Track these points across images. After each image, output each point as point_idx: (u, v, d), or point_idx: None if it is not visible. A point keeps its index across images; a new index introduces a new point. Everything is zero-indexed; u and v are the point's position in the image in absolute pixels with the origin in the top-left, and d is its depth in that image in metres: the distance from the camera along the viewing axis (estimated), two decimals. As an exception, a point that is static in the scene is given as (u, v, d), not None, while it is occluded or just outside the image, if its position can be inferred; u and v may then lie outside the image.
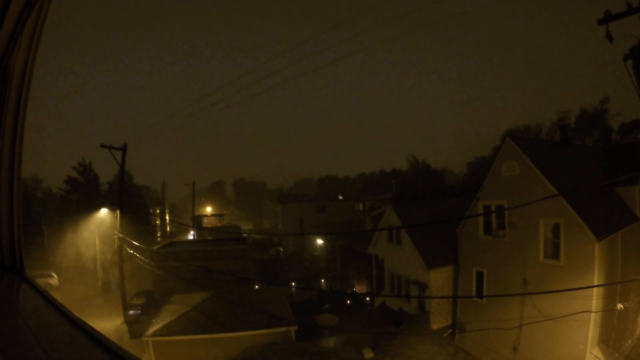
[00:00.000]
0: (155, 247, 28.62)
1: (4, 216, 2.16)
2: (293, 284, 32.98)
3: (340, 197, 60.71)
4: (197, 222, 47.06)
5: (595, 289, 13.23)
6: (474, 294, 18.70)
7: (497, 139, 49.09)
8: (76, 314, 1.68)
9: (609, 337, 14.36)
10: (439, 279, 20.13)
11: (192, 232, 47.03)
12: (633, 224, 16.26)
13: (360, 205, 53.84)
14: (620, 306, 13.88)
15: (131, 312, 22.71)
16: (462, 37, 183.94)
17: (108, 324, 21.70)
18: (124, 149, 23.02)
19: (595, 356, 13.65)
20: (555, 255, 15.15)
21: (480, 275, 18.56)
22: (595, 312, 13.55)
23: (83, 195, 34.35)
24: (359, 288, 30.31)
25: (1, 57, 1.85)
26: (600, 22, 7.79)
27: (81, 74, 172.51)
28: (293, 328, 17.04)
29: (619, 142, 36.38)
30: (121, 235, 22.47)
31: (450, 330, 19.70)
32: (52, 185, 49.88)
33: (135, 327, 20.72)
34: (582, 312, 13.45)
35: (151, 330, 16.29)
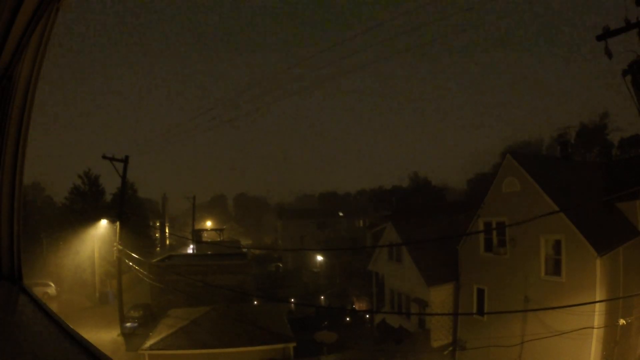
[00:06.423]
0: (154, 260, 28.44)
1: (4, 224, 2.16)
2: (292, 300, 32.65)
3: (341, 214, 60.48)
4: (196, 236, 46.89)
5: (597, 305, 13.10)
6: (475, 311, 18.51)
7: (498, 155, 49.16)
8: (72, 327, 1.66)
9: (612, 353, 14.17)
10: (440, 297, 19.95)
11: (191, 246, 46.82)
12: (634, 239, 16.18)
13: (361, 222, 53.68)
14: (622, 322, 13.74)
15: (128, 324, 22.48)
16: (462, 55, 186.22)
17: (104, 336, 21.44)
18: (125, 160, 23.09)
19: (598, 374, 13.45)
20: (557, 271, 15.07)
21: (481, 293, 18.40)
22: (597, 328, 13.40)
23: (87, 205, 34.23)
24: (358, 305, 30.00)
25: (6, 68, 1.88)
26: (599, 38, 7.83)
27: (85, 86, 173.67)
28: (291, 345, 16.85)
29: (619, 157, 36.47)
30: (120, 247, 22.38)
31: (450, 348, 19.45)
32: (53, 194, 49.94)
33: (131, 340, 20.55)
34: (585, 328, 13.30)
35: (148, 343, 16.14)
